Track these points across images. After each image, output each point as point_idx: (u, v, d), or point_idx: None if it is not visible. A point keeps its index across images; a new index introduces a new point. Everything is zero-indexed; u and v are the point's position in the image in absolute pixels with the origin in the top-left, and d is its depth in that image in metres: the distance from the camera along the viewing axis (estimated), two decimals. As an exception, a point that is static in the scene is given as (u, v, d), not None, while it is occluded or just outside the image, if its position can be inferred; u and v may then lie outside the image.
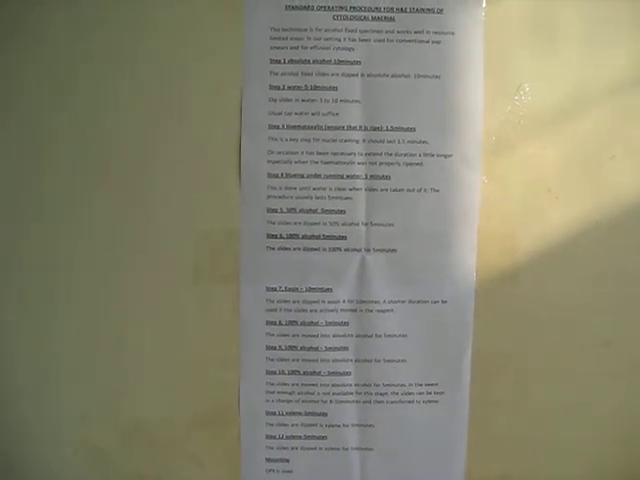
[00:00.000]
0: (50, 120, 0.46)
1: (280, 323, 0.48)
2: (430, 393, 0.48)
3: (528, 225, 0.47)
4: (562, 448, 0.49)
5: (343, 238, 0.47)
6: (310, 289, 0.47)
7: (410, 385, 0.48)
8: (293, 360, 0.48)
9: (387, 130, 0.46)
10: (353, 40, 0.45)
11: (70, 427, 0.49)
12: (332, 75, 0.46)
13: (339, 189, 0.46)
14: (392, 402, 0.48)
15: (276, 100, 0.46)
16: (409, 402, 0.48)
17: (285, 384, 0.48)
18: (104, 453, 0.49)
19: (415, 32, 0.45)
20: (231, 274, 0.47)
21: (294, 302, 0.47)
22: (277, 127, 0.46)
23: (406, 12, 0.45)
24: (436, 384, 0.48)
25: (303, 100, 0.46)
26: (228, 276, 0.47)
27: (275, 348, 0.48)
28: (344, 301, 0.47)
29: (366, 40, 0.45)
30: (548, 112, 0.47)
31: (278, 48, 0.45)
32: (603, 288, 0.48)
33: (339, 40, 0.45)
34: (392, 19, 0.45)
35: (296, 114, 0.46)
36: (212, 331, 0.48)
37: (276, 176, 0.46)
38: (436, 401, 0.48)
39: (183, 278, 0.48)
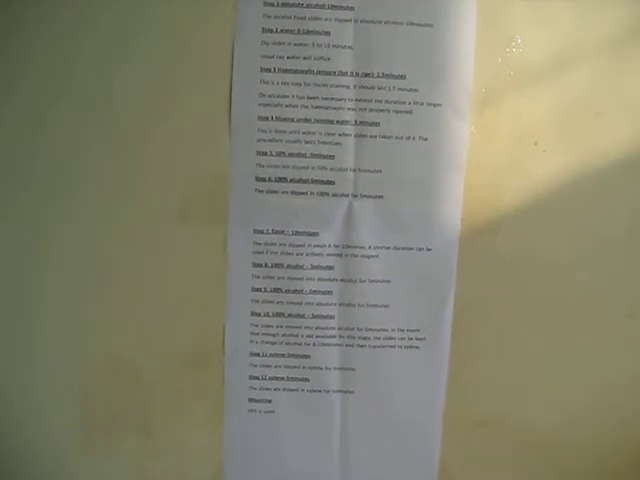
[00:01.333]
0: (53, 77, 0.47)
1: (266, 265, 0.50)
2: (412, 339, 0.50)
3: (514, 177, 0.49)
4: (540, 395, 0.52)
5: (331, 183, 0.48)
6: (297, 232, 0.49)
7: (392, 330, 0.50)
8: (278, 302, 0.50)
9: (378, 77, 0.48)
10: None
11: (56, 365, 0.51)
12: (325, 20, 0.47)
13: (328, 134, 0.48)
14: (374, 346, 0.50)
15: (268, 43, 0.47)
16: (391, 347, 0.50)
17: (269, 326, 0.50)
18: (91, 392, 0.51)
19: (409, -20, 0.46)
20: (219, 216, 0.49)
21: (281, 245, 0.49)
22: (269, 70, 0.47)
23: (401, -41, 0.46)
24: (418, 330, 0.50)
25: (295, 44, 0.47)
26: (216, 217, 0.49)
27: (260, 290, 0.50)
28: (330, 245, 0.49)
29: None
30: (539, 66, 0.48)
31: None
32: (585, 242, 0.50)
33: None
34: None
35: (288, 58, 0.47)
36: (198, 271, 0.50)
37: (266, 119, 0.48)
38: (417, 347, 0.50)
39: (171, 219, 0.49)
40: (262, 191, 0.48)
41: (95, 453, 0.52)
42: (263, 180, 0.48)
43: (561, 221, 0.50)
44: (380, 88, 0.48)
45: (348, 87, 0.47)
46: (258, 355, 0.51)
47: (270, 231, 0.49)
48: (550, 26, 0.48)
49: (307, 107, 0.48)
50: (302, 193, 0.48)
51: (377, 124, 0.48)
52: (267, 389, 0.51)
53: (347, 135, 0.48)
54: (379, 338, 0.50)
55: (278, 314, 0.50)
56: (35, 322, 0.51)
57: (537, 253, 0.50)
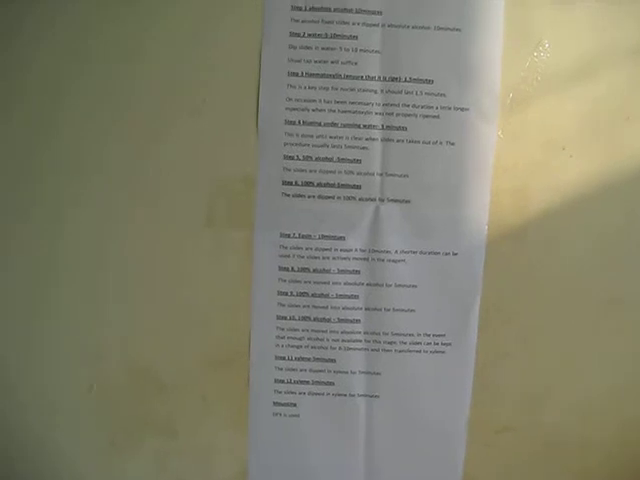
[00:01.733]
0: (70, 68, 0.48)
1: (292, 269, 0.50)
2: (437, 344, 0.51)
3: (541, 182, 0.49)
4: (565, 399, 0.52)
5: (358, 187, 0.49)
6: (323, 237, 0.50)
7: (418, 335, 0.51)
8: (304, 306, 0.50)
9: (405, 81, 0.48)
10: None
11: (83, 366, 0.52)
12: (353, 24, 0.47)
13: (355, 138, 0.48)
14: (400, 351, 0.51)
15: (296, 47, 0.48)
16: (416, 352, 0.51)
17: (295, 330, 0.51)
18: (115, 393, 0.52)
19: (437, -16, 0.47)
20: (245, 220, 0.50)
21: (307, 249, 0.50)
22: (296, 74, 0.48)
23: (429, -36, 0.47)
24: (444, 335, 0.51)
25: (323, 48, 0.48)
26: (242, 221, 0.50)
27: (287, 294, 0.50)
28: (356, 250, 0.50)
29: None
30: (566, 70, 0.49)
31: None
32: (612, 248, 0.50)
33: None
34: None
35: (315, 62, 0.48)
36: (225, 275, 0.50)
37: (293, 123, 0.48)
38: (443, 352, 0.51)
39: (198, 222, 0.50)
40: (289, 195, 0.49)
41: (119, 456, 0.53)
42: (290, 184, 0.49)
43: (588, 226, 0.50)
44: (407, 92, 0.48)
45: (375, 91, 0.48)
46: (284, 359, 0.51)
47: (296, 235, 0.49)
48: (577, 30, 0.48)
49: (334, 111, 0.48)
50: (329, 197, 0.49)
51: (404, 128, 0.48)
52: (292, 393, 0.51)
53: (374, 139, 0.48)
54: (405, 343, 0.51)
55: (304, 318, 0.50)
56: (58, 326, 0.51)
57: (563, 258, 0.51)
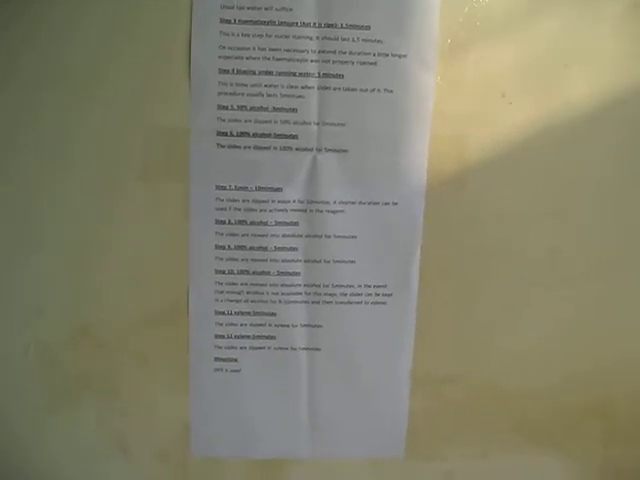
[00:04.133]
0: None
1: (229, 222, 0.52)
2: (378, 294, 0.53)
3: (480, 129, 0.51)
4: (505, 351, 0.55)
5: (294, 137, 0.50)
6: (260, 188, 0.51)
7: (359, 286, 0.53)
8: (242, 260, 0.52)
9: (341, 27, 0.49)
10: None
11: (19, 325, 0.53)
12: (286, -31, 0.48)
13: (291, 87, 0.50)
14: (340, 303, 0.53)
15: (228, -8, 0.48)
16: (357, 303, 0.53)
17: (234, 284, 0.52)
18: (52, 353, 0.53)
19: None
20: (180, 172, 0.51)
21: (244, 201, 0.51)
22: (229, 22, 0.49)
23: None
24: (384, 286, 0.53)
25: (256, -6, 0.48)
26: (177, 174, 0.51)
27: (224, 247, 0.52)
28: (294, 201, 0.51)
29: None
30: (505, 16, 0.50)
31: None
32: (550, 195, 0.53)
33: None
34: None
35: (249, 8, 0.49)
36: (161, 230, 0.52)
37: (227, 72, 0.49)
38: (384, 302, 0.53)
39: (131, 175, 0.51)
40: (224, 146, 0.50)
41: (61, 417, 0.55)
42: (224, 135, 0.50)
43: (527, 174, 0.52)
44: (344, 39, 0.49)
45: (311, 38, 0.49)
46: (223, 314, 0.53)
47: (233, 187, 0.51)
48: (516, -26, 0.49)
49: (269, 59, 0.49)
50: (265, 148, 0.50)
51: (341, 76, 0.50)
52: (233, 348, 0.53)
53: (310, 88, 0.50)
54: (345, 294, 0.53)
55: (243, 272, 0.52)
56: (2, 283, 0.53)
57: (502, 206, 0.53)
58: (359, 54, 0.49)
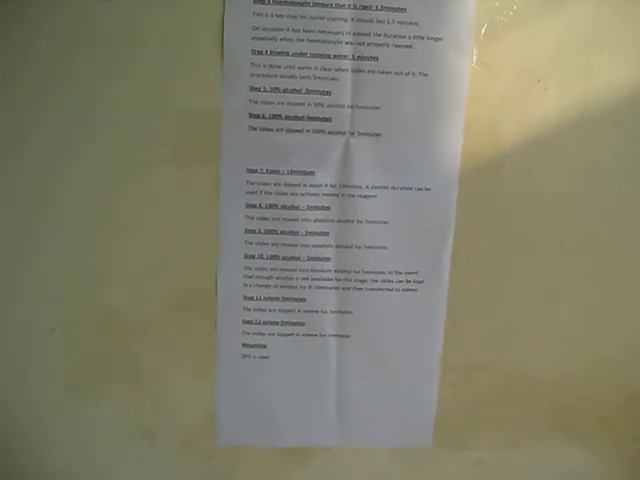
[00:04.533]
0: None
1: (260, 206, 0.51)
2: (410, 281, 0.53)
3: (516, 115, 0.51)
4: (537, 337, 0.55)
5: (327, 120, 0.50)
6: (292, 172, 0.51)
7: (390, 273, 0.53)
8: (272, 244, 0.52)
9: (377, 10, 0.49)
10: None
11: (44, 309, 0.53)
12: (322, -51, 0.48)
13: (325, 69, 0.49)
14: (371, 289, 0.53)
15: (262, -27, 0.48)
16: (388, 290, 0.53)
17: (264, 269, 0.52)
18: (78, 337, 0.53)
19: None
20: (211, 155, 0.50)
21: (275, 185, 0.51)
22: (262, 2, 0.48)
23: None
24: (416, 272, 0.53)
25: (290, -26, 0.48)
26: (208, 157, 0.50)
27: (254, 232, 0.52)
28: (326, 185, 0.51)
29: None
30: (542, 1, 0.50)
31: None
32: (585, 182, 0.52)
33: None
34: None
35: None
36: (190, 213, 0.51)
37: (260, 53, 0.49)
38: (415, 290, 0.53)
39: (162, 158, 0.50)
40: (256, 129, 0.50)
41: (82, 401, 0.54)
42: (257, 117, 0.50)
43: (562, 159, 0.52)
44: (379, 21, 0.49)
45: (345, 20, 0.49)
46: (252, 299, 0.52)
47: (264, 170, 0.51)
48: (553, -41, 0.49)
49: (303, 40, 0.49)
50: (297, 131, 0.50)
51: (375, 59, 0.49)
52: (261, 334, 0.53)
53: (344, 70, 0.49)
54: (376, 281, 0.53)
55: (273, 257, 0.52)
56: (19, 268, 0.52)
57: (538, 191, 0.52)
58: (394, 37, 0.49)
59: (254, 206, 0.51)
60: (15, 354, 0.53)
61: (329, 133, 0.50)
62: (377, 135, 0.50)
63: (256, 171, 0.50)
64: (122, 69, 0.49)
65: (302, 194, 0.51)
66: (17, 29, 0.47)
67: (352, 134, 0.50)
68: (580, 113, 0.51)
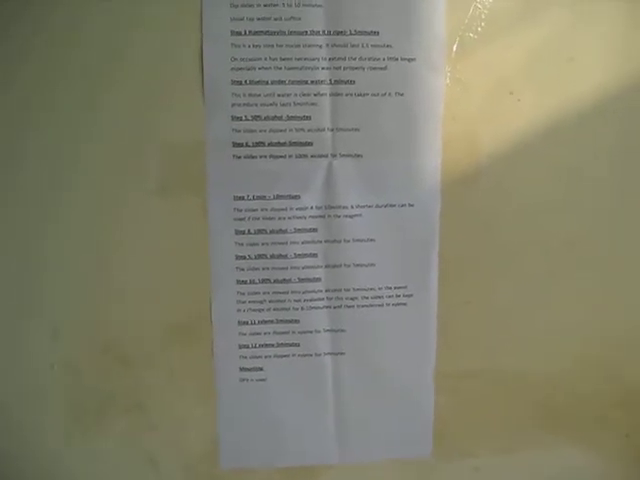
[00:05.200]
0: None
1: (249, 232, 0.53)
2: (399, 296, 0.55)
3: (491, 127, 0.53)
4: (526, 343, 0.57)
5: (309, 144, 0.52)
6: (278, 197, 0.53)
7: (379, 289, 0.54)
8: (263, 269, 0.53)
9: (351, 34, 0.51)
10: None
11: (43, 344, 0.54)
12: (293, -21, 0.50)
13: (304, 95, 0.51)
14: (362, 306, 0.55)
15: (237, 5, 0.50)
16: (379, 305, 0.55)
17: (256, 293, 0.54)
18: (77, 371, 0.54)
19: (375, -62, 0.49)
20: (198, 184, 0.52)
21: (262, 210, 0.53)
22: (239, 33, 0.50)
23: None
24: (405, 287, 0.55)
25: (265, 5, 0.50)
26: (195, 187, 0.52)
27: (245, 257, 0.53)
28: (312, 207, 0.53)
29: None
30: (508, 15, 0.52)
31: None
32: (563, 188, 0.54)
33: None
34: None
35: (258, 19, 0.50)
36: (180, 243, 0.53)
37: (240, 83, 0.51)
38: (405, 304, 0.55)
39: (151, 190, 0.52)
40: (240, 157, 0.52)
41: (86, 434, 0.55)
42: (240, 145, 0.51)
43: (537, 167, 0.54)
44: (353, 45, 0.51)
45: (321, 46, 0.51)
46: (247, 323, 0.54)
47: (251, 197, 0.52)
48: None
49: (280, 69, 0.51)
50: (281, 156, 0.52)
51: (352, 82, 0.51)
52: (258, 357, 0.55)
53: (323, 95, 0.51)
54: (367, 297, 0.54)
55: (264, 280, 0.53)
56: (20, 301, 0.54)
57: (516, 201, 0.55)
58: (369, 59, 0.51)
59: (243, 232, 0.52)
60: (18, 389, 0.55)
61: (312, 157, 0.52)
62: (358, 156, 0.52)
63: (243, 198, 0.52)
64: (106, 101, 0.51)
65: (289, 218, 0.53)
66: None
67: (334, 156, 0.52)
68: (552, 122, 0.53)
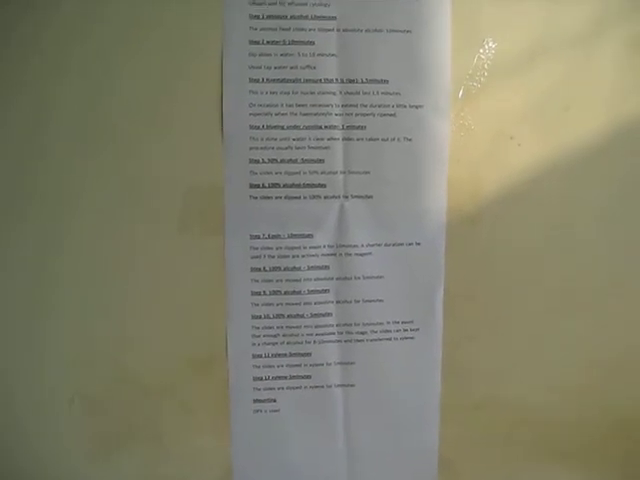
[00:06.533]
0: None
1: (264, 269, 0.57)
2: (406, 330, 0.59)
3: (493, 170, 0.57)
4: (530, 376, 0.60)
5: (323, 186, 0.56)
6: (292, 235, 0.56)
7: (388, 323, 0.58)
8: (277, 304, 0.57)
9: (362, 82, 0.55)
10: None
11: (62, 377, 0.57)
12: (309, 30, 0.54)
13: (318, 139, 0.55)
14: (371, 340, 0.58)
15: (255, 54, 0.54)
16: (387, 339, 0.58)
17: (270, 327, 0.57)
18: (96, 403, 0.57)
19: (387, -11, 0.53)
20: (216, 225, 0.55)
21: (277, 249, 0.56)
22: (257, 81, 0.54)
23: (379, -29, 0.53)
24: (411, 321, 0.58)
25: (282, 54, 0.54)
26: (213, 227, 0.55)
27: (260, 293, 0.57)
28: (324, 246, 0.57)
29: None
30: (509, 65, 0.56)
31: (257, 4, 0.54)
32: (563, 230, 0.59)
33: None
34: None
35: (275, 68, 0.54)
36: (199, 280, 0.56)
37: (257, 128, 0.55)
38: (412, 337, 0.59)
39: (170, 231, 0.55)
40: (256, 197, 0.55)
41: (103, 464, 0.58)
42: (257, 187, 0.55)
43: (537, 209, 0.58)
44: (364, 93, 0.55)
45: (334, 93, 0.55)
46: (261, 356, 0.58)
47: (266, 236, 0.56)
48: (520, 25, 0.56)
49: (296, 114, 0.55)
50: (295, 197, 0.56)
51: (363, 127, 0.55)
52: (271, 389, 0.58)
53: (335, 139, 0.55)
54: (376, 331, 0.58)
55: (278, 315, 0.57)
56: (39, 334, 0.56)
57: (517, 240, 0.58)
58: (379, 106, 0.55)
59: (258, 269, 0.56)
60: (36, 421, 0.57)
61: (325, 198, 0.56)
62: (369, 197, 0.56)
63: (259, 237, 0.56)
64: (133, 150, 0.55)
65: (302, 256, 0.56)
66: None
67: (346, 197, 0.56)
68: (551, 165, 0.58)
